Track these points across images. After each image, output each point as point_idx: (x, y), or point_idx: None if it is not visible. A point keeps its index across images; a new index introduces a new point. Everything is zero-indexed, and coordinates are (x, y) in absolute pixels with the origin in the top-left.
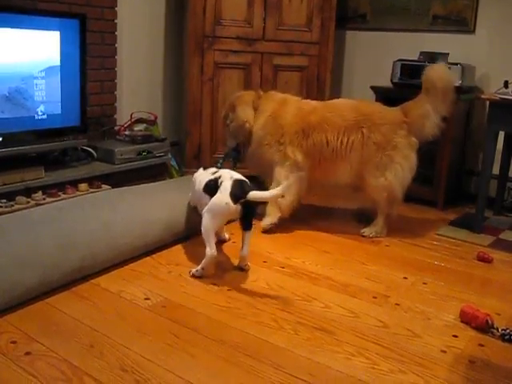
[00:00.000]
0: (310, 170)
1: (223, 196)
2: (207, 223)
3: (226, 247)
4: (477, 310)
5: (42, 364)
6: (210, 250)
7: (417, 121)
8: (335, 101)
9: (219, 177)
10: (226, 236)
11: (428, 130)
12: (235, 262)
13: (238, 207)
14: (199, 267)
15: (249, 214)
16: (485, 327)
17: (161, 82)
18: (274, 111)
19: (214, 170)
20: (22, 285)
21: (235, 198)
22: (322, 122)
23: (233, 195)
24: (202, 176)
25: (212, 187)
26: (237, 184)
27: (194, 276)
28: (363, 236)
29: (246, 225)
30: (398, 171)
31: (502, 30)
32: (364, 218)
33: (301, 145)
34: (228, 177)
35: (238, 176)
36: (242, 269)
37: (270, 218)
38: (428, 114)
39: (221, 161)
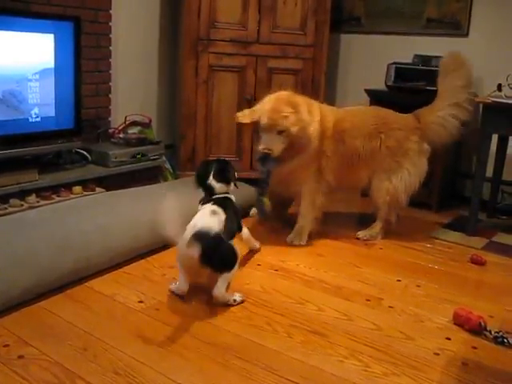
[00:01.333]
0: (335, 178)
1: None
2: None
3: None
4: (470, 313)
5: (35, 367)
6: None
7: (430, 127)
8: (354, 108)
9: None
10: (257, 245)
11: (443, 137)
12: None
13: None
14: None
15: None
16: (478, 330)
17: (155, 84)
18: (321, 117)
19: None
20: (16, 287)
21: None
22: (352, 129)
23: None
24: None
25: None
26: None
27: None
28: (357, 238)
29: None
30: (404, 176)
31: (496, 34)
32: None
33: (335, 152)
34: (192, 224)
35: (201, 225)
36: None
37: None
38: (442, 120)
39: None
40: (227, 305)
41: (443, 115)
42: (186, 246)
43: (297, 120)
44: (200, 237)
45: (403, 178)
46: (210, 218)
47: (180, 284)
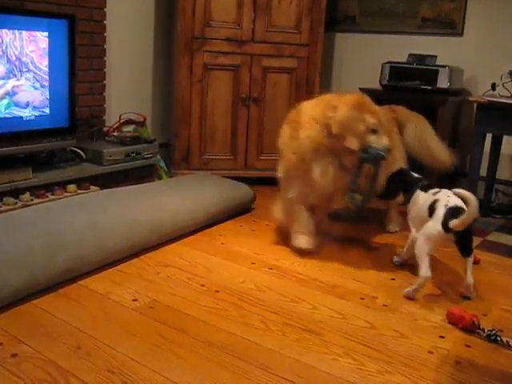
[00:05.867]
0: None
1: (435, 224)
2: (421, 246)
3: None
4: (463, 312)
5: (29, 366)
6: (425, 272)
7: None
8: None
9: (436, 200)
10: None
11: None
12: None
13: (451, 235)
14: (412, 288)
15: (464, 238)
16: (471, 328)
17: (150, 83)
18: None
19: (435, 190)
20: (9, 285)
21: (446, 228)
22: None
23: (444, 225)
24: (424, 197)
25: (430, 210)
26: (449, 213)
27: (407, 296)
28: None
29: (463, 250)
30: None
31: (490, 33)
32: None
33: None
34: (443, 204)
35: (454, 202)
36: (467, 298)
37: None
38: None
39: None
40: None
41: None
42: (442, 217)
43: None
44: (460, 212)
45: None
46: (456, 198)
47: (426, 272)
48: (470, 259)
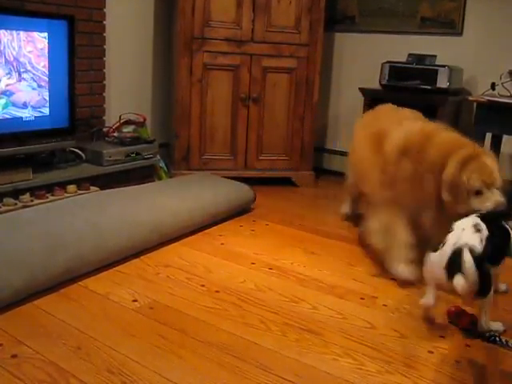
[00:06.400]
0: None
1: (438, 261)
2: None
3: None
4: (463, 311)
5: (29, 366)
6: (425, 298)
7: None
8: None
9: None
10: (503, 287)
11: None
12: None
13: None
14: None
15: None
16: (469, 328)
17: (150, 83)
18: None
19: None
20: (9, 286)
21: (448, 272)
22: None
23: (446, 268)
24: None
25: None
26: (455, 255)
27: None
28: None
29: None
30: None
31: (490, 32)
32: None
33: None
34: (452, 242)
35: (467, 241)
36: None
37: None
38: None
39: None
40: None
41: None
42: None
43: None
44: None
45: None
46: (472, 235)
47: (428, 298)
48: (482, 301)
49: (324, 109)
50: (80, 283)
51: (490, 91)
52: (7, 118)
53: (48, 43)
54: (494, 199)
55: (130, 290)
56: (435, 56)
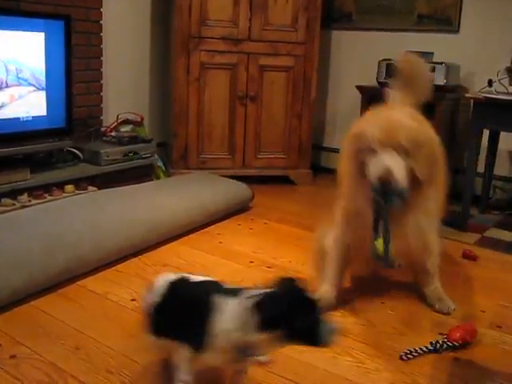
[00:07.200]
0: None
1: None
2: None
3: None
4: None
5: (27, 367)
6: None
7: None
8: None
9: None
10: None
11: None
12: None
13: None
14: None
15: None
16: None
17: (147, 82)
18: None
19: None
20: (8, 286)
21: None
22: None
23: None
24: None
25: None
26: None
27: None
28: None
29: None
30: None
31: (486, 29)
32: None
33: None
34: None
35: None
36: None
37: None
38: None
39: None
40: None
41: None
42: None
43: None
44: None
45: None
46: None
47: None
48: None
49: (321, 107)
50: (79, 283)
51: (487, 88)
52: (4, 119)
53: (45, 43)
54: (380, 164)
55: (129, 289)
56: (432, 53)
